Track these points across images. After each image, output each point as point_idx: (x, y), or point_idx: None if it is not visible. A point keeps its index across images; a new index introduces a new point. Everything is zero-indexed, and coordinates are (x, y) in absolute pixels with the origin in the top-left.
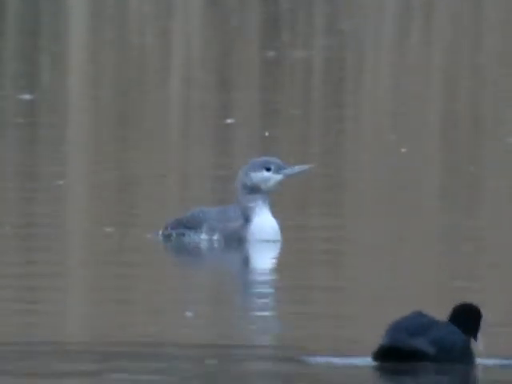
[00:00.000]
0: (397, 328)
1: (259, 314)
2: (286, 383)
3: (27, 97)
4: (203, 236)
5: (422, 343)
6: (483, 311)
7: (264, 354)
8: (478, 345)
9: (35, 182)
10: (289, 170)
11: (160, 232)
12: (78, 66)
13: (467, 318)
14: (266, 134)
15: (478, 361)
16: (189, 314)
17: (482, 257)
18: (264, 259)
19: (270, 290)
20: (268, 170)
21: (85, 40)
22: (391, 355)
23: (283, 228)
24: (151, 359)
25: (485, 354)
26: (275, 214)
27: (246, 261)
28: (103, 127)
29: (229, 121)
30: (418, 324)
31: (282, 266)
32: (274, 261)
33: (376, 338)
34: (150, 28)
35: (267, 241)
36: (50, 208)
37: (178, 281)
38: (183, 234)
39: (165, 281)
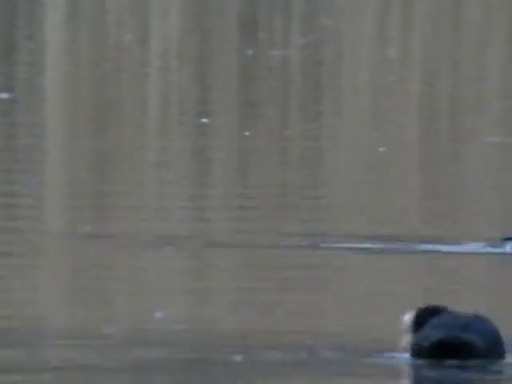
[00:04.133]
0: (444, 324)
1: None
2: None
3: (4, 96)
4: None
5: (474, 337)
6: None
7: None
8: None
9: (14, 179)
10: None
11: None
12: (55, 64)
13: None
14: (246, 133)
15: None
16: (158, 314)
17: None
18: None
19: None
20: None
21: (62, 38)
22: (447, 350)
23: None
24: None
25: None
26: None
27: None
28: (80, 125)
29: (204, 120)
30: (459, 319)
31: None
32: None
33: None
34: (127, 25)
35: None
36: (29, 207)
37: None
38: None
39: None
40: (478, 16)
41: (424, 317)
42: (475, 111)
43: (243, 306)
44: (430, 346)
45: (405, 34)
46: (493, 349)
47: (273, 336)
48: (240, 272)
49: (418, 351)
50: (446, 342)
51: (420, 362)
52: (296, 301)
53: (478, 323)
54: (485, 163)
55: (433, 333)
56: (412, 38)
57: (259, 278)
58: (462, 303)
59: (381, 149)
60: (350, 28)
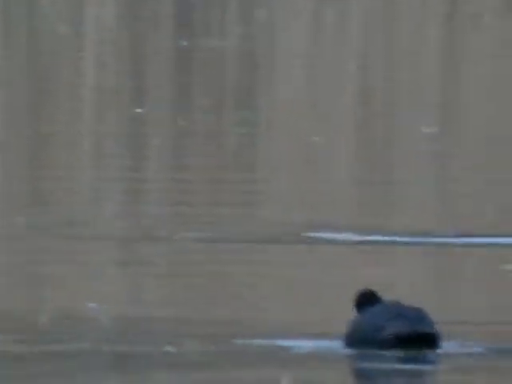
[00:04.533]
0: (400, 315)
1: None
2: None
3: None
4: None
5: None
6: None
7: None
8: None
9: None
10: None
11: None
12: None
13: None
14: (181, 122)
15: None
16: (91, 304)
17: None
18: None
19: None
20: None
21: None
22: (409, 342)
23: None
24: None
25: None
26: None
27: None
28: (16, 113)
29: (138, 110)
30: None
31: None
32: None
33: None
34: (62, 14)
35: None
36: None
37: None
38: None
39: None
40: (414, 7)
41: (362, 302)
42: (411, 102)
43: (176, 297)
44: (393, 338)
45: (340, 25)
46: (440, 340)
47: (204, 326)
48: (175, 262)
49: (369, 341)
50: (411, 334)
51: (357, 351)
52: (229, 291)
53: (426, 315)
54: (419, 153)
55: (392, 324)
56: (348, 28)
57: (194, 269)
58: (395, 293)
59: (315, 138)
60: (285, 20)
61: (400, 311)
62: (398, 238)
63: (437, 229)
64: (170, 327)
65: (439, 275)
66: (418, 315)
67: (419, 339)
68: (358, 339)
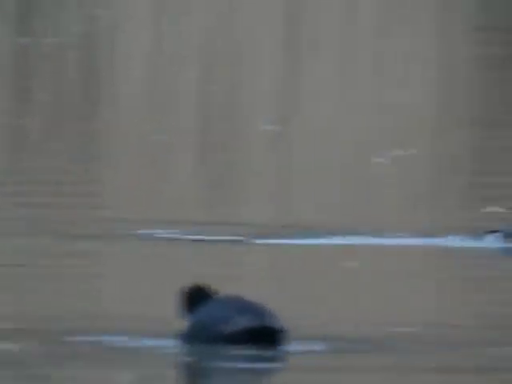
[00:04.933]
0: (243, 309)
1: None
2: None
3: None
4: None
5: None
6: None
7: None
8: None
9: None
10: None
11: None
12: None
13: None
14: (19, 120)
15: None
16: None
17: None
18: None
19: None
20: None
21: None
22: (257, 337)
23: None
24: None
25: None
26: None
27: None
28: None
29: None
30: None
31: None
32: None
33: None
34: None
35: None
36: None
37: None
38: None
39: None
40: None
41: (193, 297)
42: (252, 100)
43: (18, 292)
44: (242, 332)
45: (180, 22)
46: (286, 337)
47: (44, 323)
48: (18, 259)
49: (213, 336)
50: (260, 328)
51: (196, 348)
52: (67, 287)
53: (271, 310)
54: (260, 151)
55: (240, 318)
56: (188, 27)
57: (35, 263)
58: (236, 291)
59: (157, 137)
60: (125, 16)
61: (245, 305)
62: (238, 237)
63: (278, 227)
64: (11, 323)
65: (280, 273)
66: (264, 310)
67: (267, 334)
68: (199, 335)
